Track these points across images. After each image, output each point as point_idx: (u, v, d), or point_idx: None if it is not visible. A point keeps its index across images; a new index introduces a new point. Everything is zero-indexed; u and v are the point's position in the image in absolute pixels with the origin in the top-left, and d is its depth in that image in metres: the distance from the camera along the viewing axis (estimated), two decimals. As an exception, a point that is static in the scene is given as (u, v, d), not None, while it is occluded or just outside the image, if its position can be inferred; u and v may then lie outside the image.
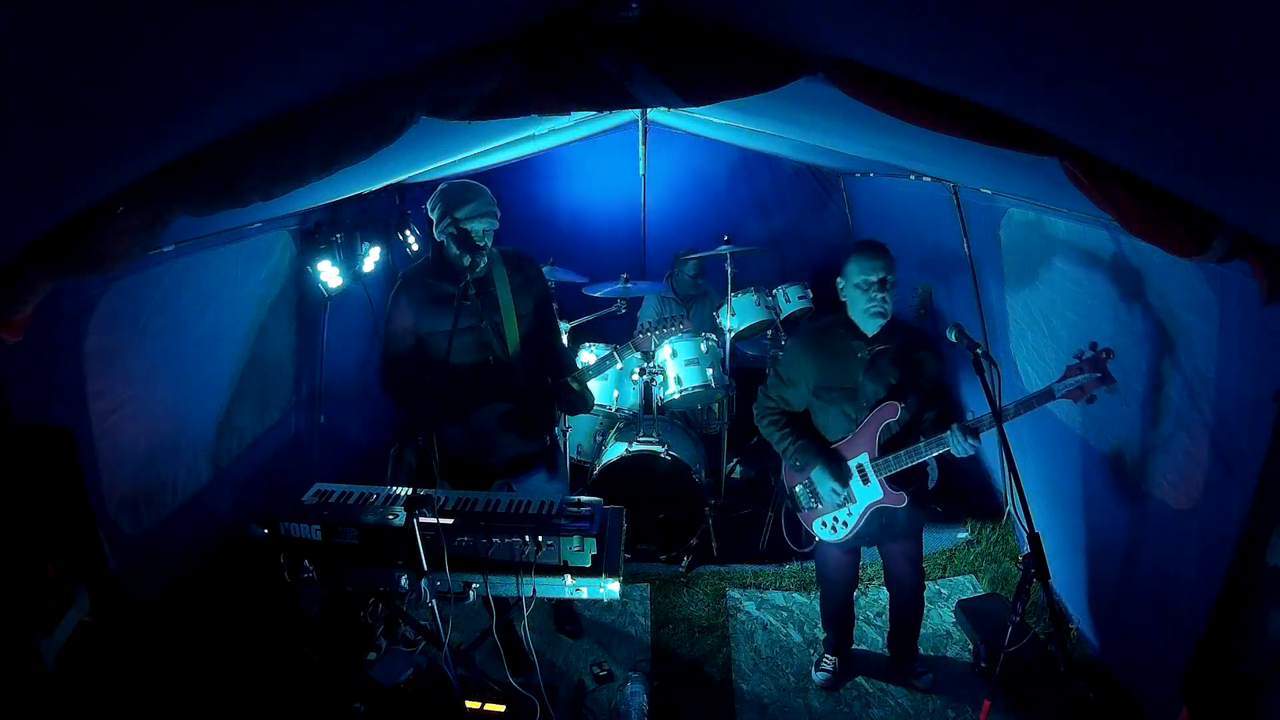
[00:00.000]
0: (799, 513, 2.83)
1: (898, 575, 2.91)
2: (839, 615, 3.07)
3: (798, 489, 2.78)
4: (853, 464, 2.59)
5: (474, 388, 2.64)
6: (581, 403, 2.79)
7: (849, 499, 2.64)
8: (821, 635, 3.37)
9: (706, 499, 3.86)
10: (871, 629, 3.42)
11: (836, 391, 2.58)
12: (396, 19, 1.34)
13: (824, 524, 2.74)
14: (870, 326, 2.51)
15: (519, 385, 2.68)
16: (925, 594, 3.00)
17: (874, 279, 2.44)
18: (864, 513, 2.63)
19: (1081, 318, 3.01)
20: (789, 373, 2.66)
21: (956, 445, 2.38)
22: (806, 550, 2.97)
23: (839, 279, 2.58)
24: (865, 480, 2.58)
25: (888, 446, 2.54)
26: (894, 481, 2.56)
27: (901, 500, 2.55)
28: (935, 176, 3.72)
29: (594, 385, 4.00)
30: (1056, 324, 3.21)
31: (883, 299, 2.46)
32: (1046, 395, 2.38)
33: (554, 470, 2.88)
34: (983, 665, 3.12)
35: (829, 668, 3.09)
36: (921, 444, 2.47)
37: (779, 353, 4.23)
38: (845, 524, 2.67)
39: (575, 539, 2.16)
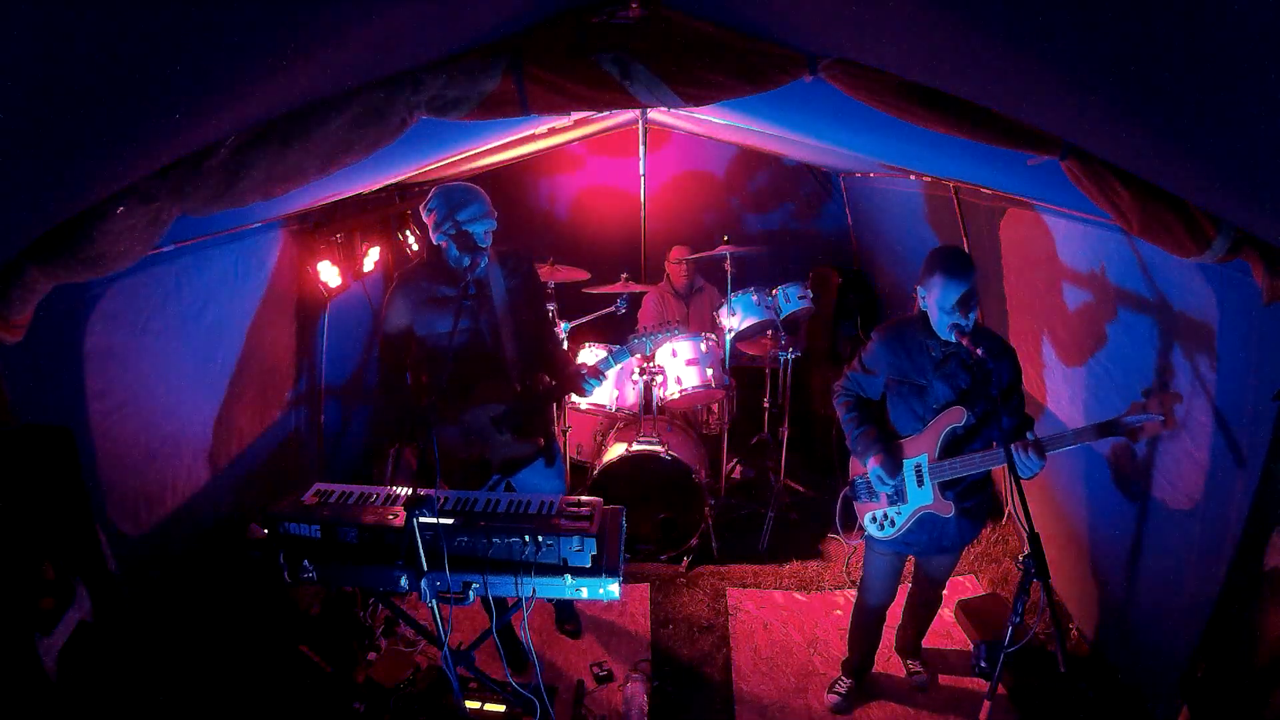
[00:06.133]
0: (855, 502, 2.78)
1: (928, 579, 2.89)
2: (868, 633, 2.98)
3: (858, 479, 2.74)
4: (910, 463, 2.53)
5: (469, 389, 2.64)
6: (591, 386, 2.80)
7: (900, 498, 2.58)
8: (824, 636, 3.37)
9: (706, 499, 3.86)
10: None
11: (907, 387, 2.53)
12: (397, 19, 1.34)
13: (874, 519, 2.68)
14: (949, 337, 2.41)
15: (513, 386, 2.68)
16: (926, 594, 2.99)
17: (960, 303, 2.32)
18: (912, 515, 2.56)
19: (1081, 317, 3.02)
20: (870, 362, 2.62)
21: (1022, 465, 2.27)
22: (849, 540, 2.90)
23: (919, 286, 2.45)
24: (920, 482, 2.52)
25: (949, 451, 2.47)
26: (945, 488, 2.49)
27: (948, 510, 2.49)
28: (935, 176, 3.72)
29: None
30: (1056, 322, 3.21)
31: (968, 317, 2.34)
32: (1108, 429, 2.25)
33: (551, 462, 2.88)
34: (983, 665, 3.11)
35: (842, 690, 3.02)
36: (977, 455, 2.40)
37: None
38: (893, 522, 2.61)
39: (575, 539, 2.16)
